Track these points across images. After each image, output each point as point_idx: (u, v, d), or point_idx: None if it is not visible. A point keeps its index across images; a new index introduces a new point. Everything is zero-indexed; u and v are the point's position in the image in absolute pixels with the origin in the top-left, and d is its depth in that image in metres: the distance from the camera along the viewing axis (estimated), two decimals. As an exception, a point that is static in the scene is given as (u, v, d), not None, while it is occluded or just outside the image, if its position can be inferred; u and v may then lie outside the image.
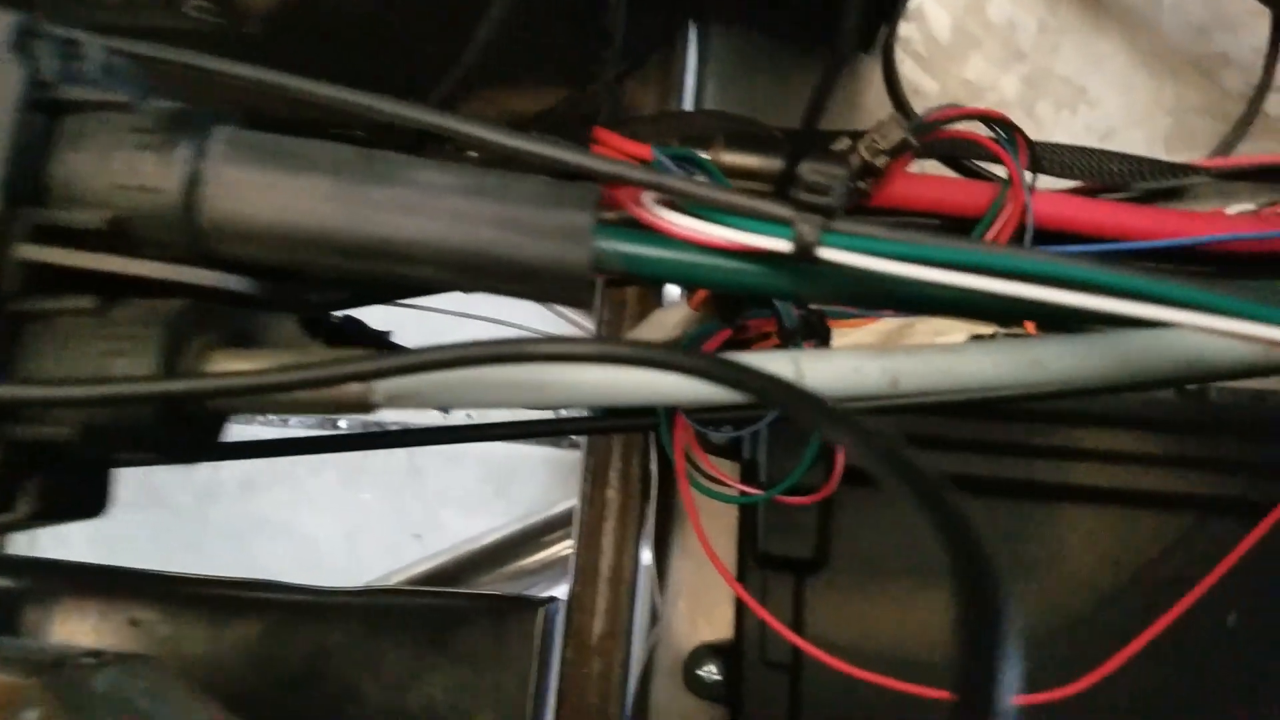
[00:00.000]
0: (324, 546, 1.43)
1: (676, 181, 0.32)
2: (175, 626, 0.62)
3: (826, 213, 0.31)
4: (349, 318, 0.61)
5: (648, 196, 0.35)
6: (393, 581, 0.85)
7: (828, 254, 0.30)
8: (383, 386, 0.32)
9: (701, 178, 0.46)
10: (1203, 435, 0.53)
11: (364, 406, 0.32)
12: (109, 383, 0.31)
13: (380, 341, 0.61)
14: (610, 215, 0.35)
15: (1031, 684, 0.46)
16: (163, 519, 1.35)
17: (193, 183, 0.33)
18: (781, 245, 0.31)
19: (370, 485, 1.45)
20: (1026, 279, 0.28)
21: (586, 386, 0.32)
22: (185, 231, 0.33)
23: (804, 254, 0.31)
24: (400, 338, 0.71)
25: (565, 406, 0.33)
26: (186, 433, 0.34)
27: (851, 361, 0.32)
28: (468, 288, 0.34)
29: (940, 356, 0.32)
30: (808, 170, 0.31)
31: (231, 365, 0.33)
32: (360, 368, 0.30)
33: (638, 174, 0.32)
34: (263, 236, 0.33)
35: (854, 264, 0.30)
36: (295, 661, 0.60)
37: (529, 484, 1.43)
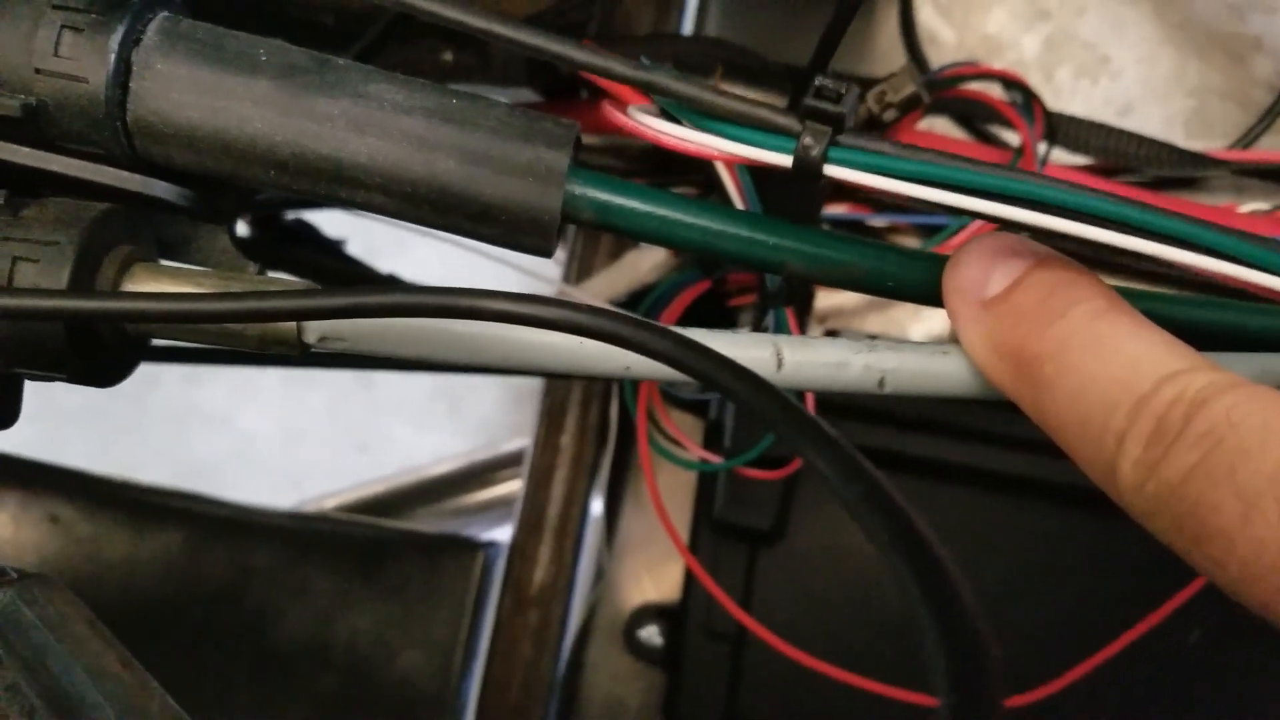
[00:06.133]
0: (262, 445, 1.40)
1: (668, 80, 0.29)
2: (96, 527, 0.60)
3: (835, 123, 0.27)
4: (301, 221, 0.58)
5: (633, 106, 0.32)
6: (329, 504, 0.83)
7: (834, 171, 0.27)
8: (316, 326, 0.29)
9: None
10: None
11: (293, 345, 0.29)
12: (13, 294, 0.28)
13: (332, 250, 0.58)
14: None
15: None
16: (101, 400, 1.30)
17: (122, 74, 0.29)
18: (781, 160, 0.28)
19: (318, 388, 1.41)
20: (1061, 212, 0.25)
21: (544, 351, 0.29)
22: (109, 128, 0.29)
23: (806, 169, 0.27)
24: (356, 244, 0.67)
25: (515, 368, 0.30)
26: (101, 353, 0.30)
27: (836, 355, 0.29)
28: (418, 220, 0.30)
29: (930, 357, 0.29)
30: (818, 77, 0.27)
31: (154, 284, 0.30)
32: (294, 304, 0.27)
33: (625, 68, 0.29)
34: (195, 141, 0.29)
35: (863, 184, 0.27)
36: (217, 577, 0.58)
37: (482, 403, 1.39)
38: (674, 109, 0.30)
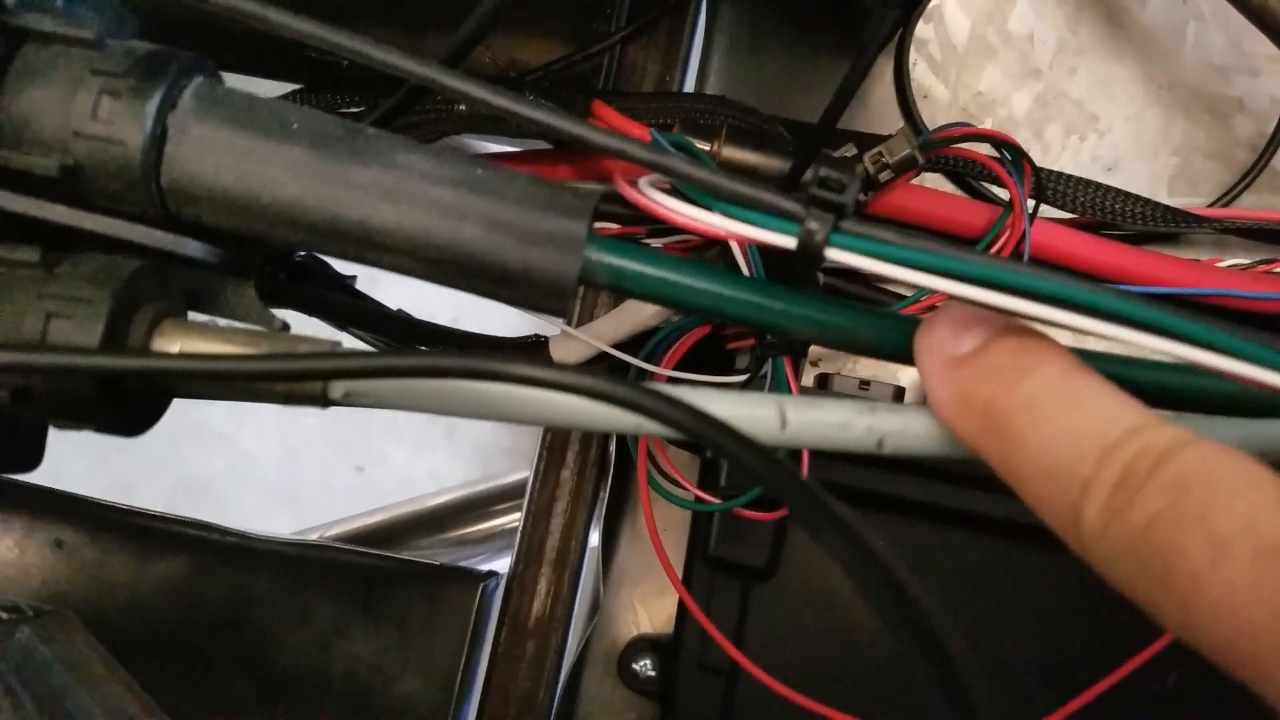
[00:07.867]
0: (260, 465, 1.41)
1: (681, 164, 0.30)
2: (100, 553, 0.61)
3: (838, 211, 0.29)
4: (315, 257, 0.59)
5: (644, 180, 0.33)
6: (331, 533, 0.84)
7: (835, 255, 0.29)
8: (341, 384, 0.30)
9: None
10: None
11: (318, 400, 0.30)
12: (47, 350, 0.29)
13: (343, 286, 0.59)
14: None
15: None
16: (98, 419, 1.31)
17: (158, 138, 0.30)
18: (786, 241, 0.29)
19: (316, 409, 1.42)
20: (1050, 300, 0.26)
21: (562, 412, 0.30)
22: (144, 189, 0.30)
23: (809, 252, 0.29)
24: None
25: (531, 421, 0.31)
26: (130, 407, 0.32)
27: (838, 416, 0.30)
28: (443, 283, 0.31)
29: (930, 421, 0.30)
30: (822, 168, 0.29)
31: (183, 340, 0.31)
32: (326, 365, 0.28)
33: (641, 152, 0.30)
34: (228, 203, 0.30)
35: (862, 267, 0.28)
36: (219, 603, 0.59)
37: (477, 428, 1.41)
38: (685, 188, 0.32)
